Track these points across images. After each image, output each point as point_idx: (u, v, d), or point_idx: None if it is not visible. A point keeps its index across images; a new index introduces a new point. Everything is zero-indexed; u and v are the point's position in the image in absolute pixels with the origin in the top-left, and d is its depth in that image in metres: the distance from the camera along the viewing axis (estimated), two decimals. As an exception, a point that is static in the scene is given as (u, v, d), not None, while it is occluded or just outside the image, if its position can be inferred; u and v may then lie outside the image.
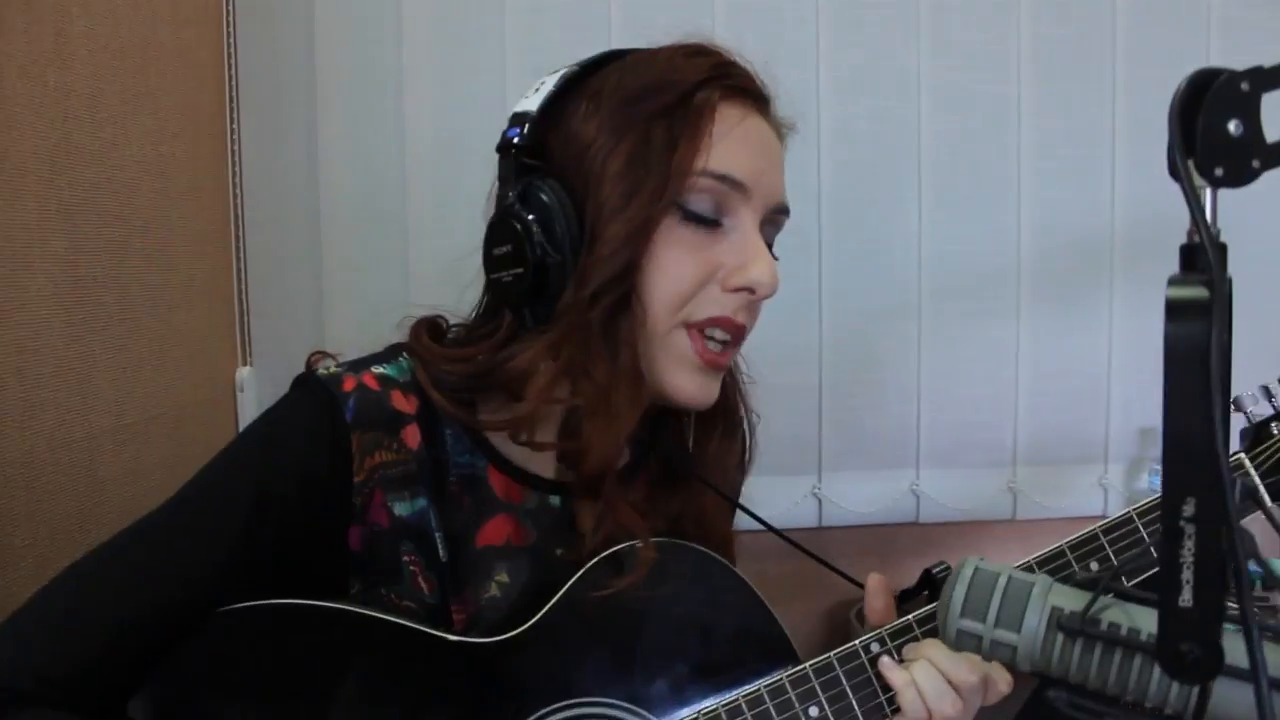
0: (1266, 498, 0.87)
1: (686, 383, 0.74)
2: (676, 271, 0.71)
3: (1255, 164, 0.55)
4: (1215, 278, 0.51)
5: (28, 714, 0.60)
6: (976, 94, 1.32)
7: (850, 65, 1.31)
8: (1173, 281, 0.53)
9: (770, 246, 0.77)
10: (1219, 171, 0.55)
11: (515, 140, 0.72)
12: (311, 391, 0.73)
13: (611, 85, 0.73)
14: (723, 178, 0.71)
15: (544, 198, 0.70)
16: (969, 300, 1.34)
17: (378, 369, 0.75)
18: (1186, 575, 0.50)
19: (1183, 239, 1.17)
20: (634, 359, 0.72)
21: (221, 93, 1.26)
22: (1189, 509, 0.50)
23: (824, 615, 1.28)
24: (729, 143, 0.72)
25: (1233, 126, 0.55)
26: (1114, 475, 1.36)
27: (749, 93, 0.75)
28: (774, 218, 0.77)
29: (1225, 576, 0.49)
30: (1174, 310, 0.51)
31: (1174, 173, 0.55)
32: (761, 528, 0.86)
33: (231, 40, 1.26)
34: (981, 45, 1.32)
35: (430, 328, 0.78)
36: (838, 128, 1.30)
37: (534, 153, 0.72)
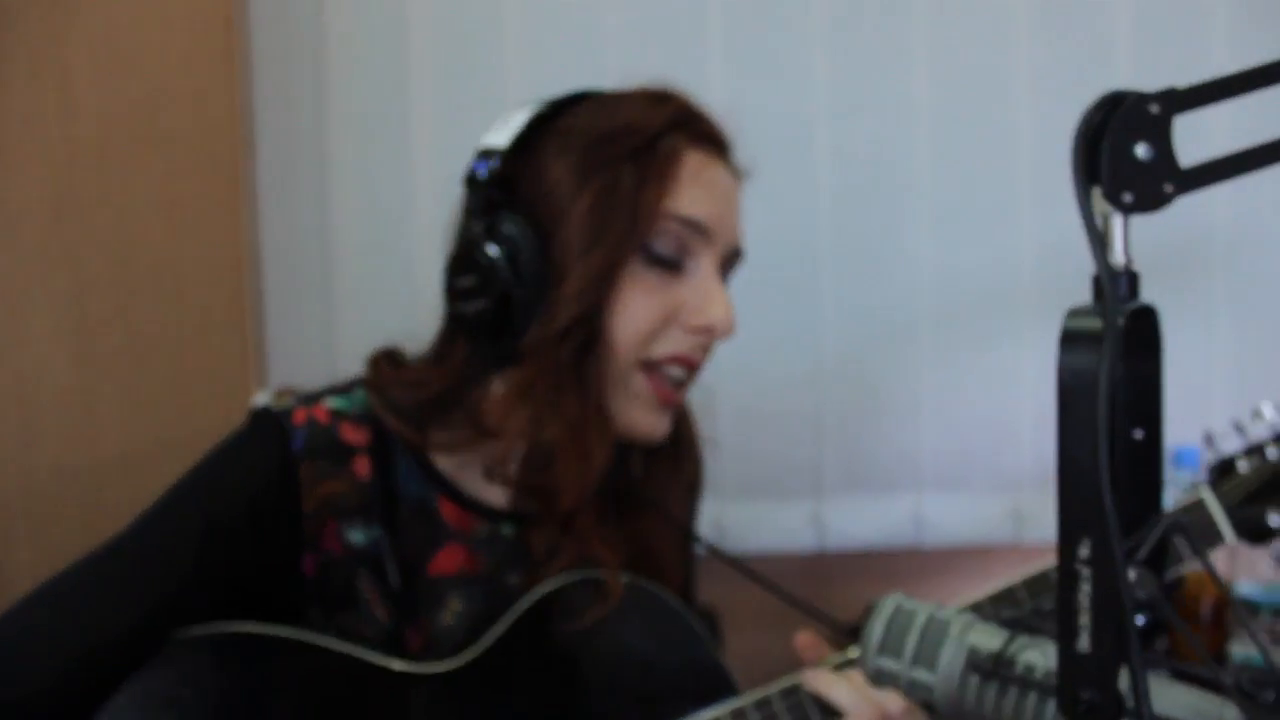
0: (1227, 529, 0.84)
1: (642, 420, 0.76)
2: (640, 312, 0.74)
3: (1168, 189, 0.54)
4: (1108, 307, 0.50)
5: None
6: (975, 117, 1.30)
7: (849, 90, 1.30)
8: (1071, 312, 0.53)
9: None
10: (1127, 197, 0.54)
11: (482, 174, 0.74)
12: (262, 424, 0.76)
13: (581, 126, 0.75)
14: (687, 221, 0.74)
15: (511, 232, 0.72)
16: (971, 323, 1.32)
17: (330, 402, 0.78)
18: (1084, 620, 0.49)
19: (1184, 259, 1.17)
20: (601, 396, 0.74)
21: (235, 134, 1.32)
22: (1084, 551, 0.49)
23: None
24: (693, 188, 0.74)
25: (1141, 150, 0.54)
26: (1125, 499, 1.32)
27: (711, 140, 0.78)
28: (731, 260, 0.79)
29: (1124, 620, 0.48)
30: (1066, 340, 0.50)
31: (1079, 199, 0.54)
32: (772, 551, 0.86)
33: (246, 84, 1.32)
34: (979, 68, 1.30)
35: (388, 357, 0.81)
36: (837, 152, 1.30)
37: (501, 187, 0.74)
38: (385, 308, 1.32)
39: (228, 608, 0.72)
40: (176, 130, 1.19)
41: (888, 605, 0.62)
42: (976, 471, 1.32)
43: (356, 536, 0.76)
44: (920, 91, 1.30)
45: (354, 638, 0.74)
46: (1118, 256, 0.54)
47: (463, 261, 0.73)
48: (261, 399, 1.35)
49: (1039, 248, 1.30)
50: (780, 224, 1.16)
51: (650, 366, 0.75)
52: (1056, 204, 1.29)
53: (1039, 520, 1.32)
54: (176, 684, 0.69)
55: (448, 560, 0.79)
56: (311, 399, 0.78)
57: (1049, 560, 0.78)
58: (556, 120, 0.76)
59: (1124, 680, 0.48)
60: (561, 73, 1.31)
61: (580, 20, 1.30)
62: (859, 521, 1.33)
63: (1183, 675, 0.54)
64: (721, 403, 1.14)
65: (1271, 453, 0.87)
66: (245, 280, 1.34)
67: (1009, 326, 1.31)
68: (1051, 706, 0.55)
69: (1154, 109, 0.54)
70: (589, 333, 0.72)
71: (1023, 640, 0.58)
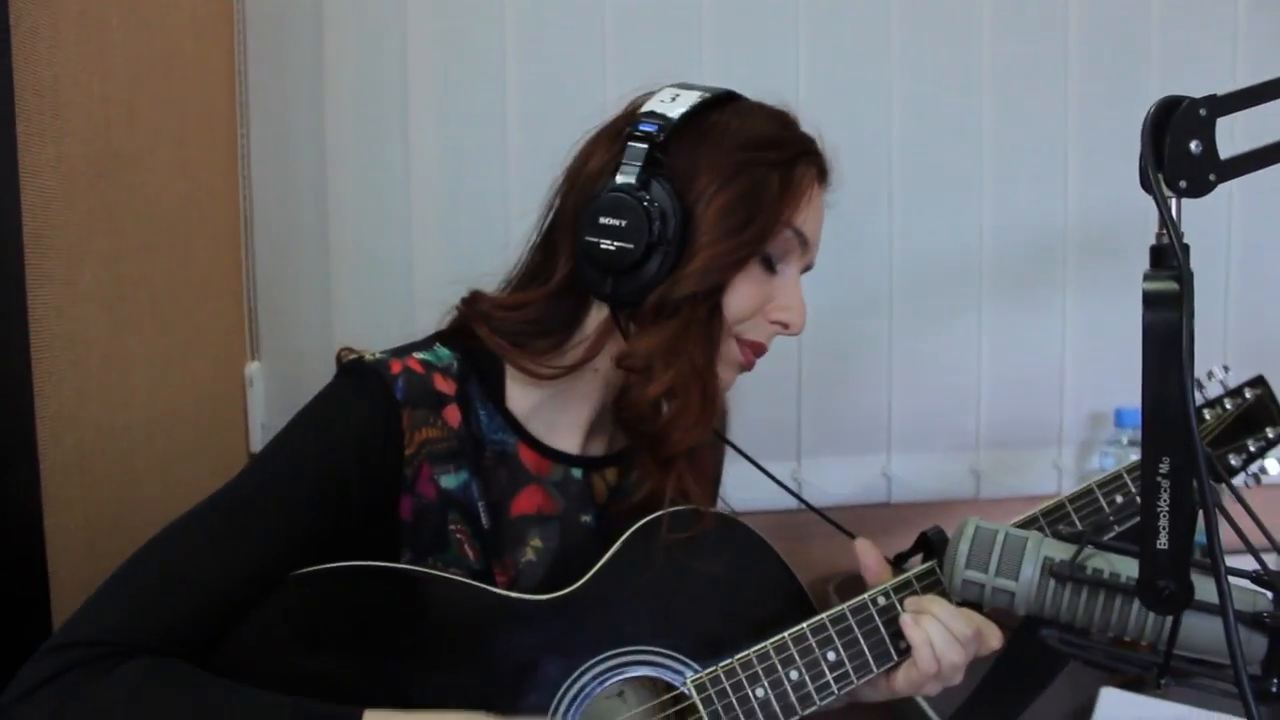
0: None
1: (728, 378, 0.87)
2: (745, 298, 0.83)
3: (1212, 177, 0.66)
4: (1183, 273, 0.61)
5: (135, 663, 0.67)
6: (943, 107, 1.41)
7: (827, 80, 1.39)
8: (1148, 277, 0.63)
9: None
10: (1183, 184, 0.65)
11: (653, 134, 0.80)
12: (362, 375, 0.80)
13: (734, 126, 0.83)
14: (801, 235, 0.85)
15: (666, 196, 0.79)
16: (936, 297, 1.44)
17: (419, 355, 0.83)
18: (1163, 522, 0.60)
19: (1129, 240, 1.34)
20: (716, 356, 0.83)
21: (232, 97, 1.30)
22: (1165, 466, 0.60)
23: (810, 582, 1.36)
24: (809, 209, 0.86)
25: (1194, 146, 0.65)
26: (1067, 457, 1.48)
27: (825, 172, 0.90)
28: (805, 270, 0.91)
29: (1194, 522, 0.60)
30: (1150, 300, 0.61)
31: (1145, 185, 0.65)
32: (758, 509, 0.96)
33: (242, 47, 1.30)
34: (947, 63, 1.41)
35: (480, 293, 0.88)
36: (815, 137, 1.39)
37: (662, 151, 0.80)
38: (379, 280, 1.33)
39: (334, 551, 0.75)
40: (187, 93, 1.18)
41: (969, 526, 0.72)
42: (940, 433, 1.45)
43: (449, 481, 0.81)
44: (895, 83, 1.41)
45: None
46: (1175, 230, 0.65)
47: (615, 203, 0.78)
48: (254, 369, 1.35)
49: (996, 228, 1.43)
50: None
51: (741, 342, 0.86)
52: (1013, 188, 1.44)
53: (994, 477, 1.46)
54: (298, 616, 0.73)
55: (528, 501, 0.85)
56: (401, 352, 0.83)
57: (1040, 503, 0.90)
58: (711, 112, 0.83)
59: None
60: (558, 53, 1.36)
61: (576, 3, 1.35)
62: (834, 479, 1.44)
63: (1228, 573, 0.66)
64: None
65: (1229, 405, 1.03)
66: (241, 246, 1.34)
67: (969, 301, 1.44)
68: (1118, 602, 0.67)
69: (1203, 112, 0.65)
70: (714, 303, 0.81)
71: (1088, 551, 0.69)
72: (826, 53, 1.39)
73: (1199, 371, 1.07)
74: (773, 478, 1.00)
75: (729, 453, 1.04)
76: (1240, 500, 0.71)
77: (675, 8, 1.36)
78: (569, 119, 0.87)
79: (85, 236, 0.94)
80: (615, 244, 0.78)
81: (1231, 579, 0.66)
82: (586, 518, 0.88)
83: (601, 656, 0.79)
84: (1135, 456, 1.00)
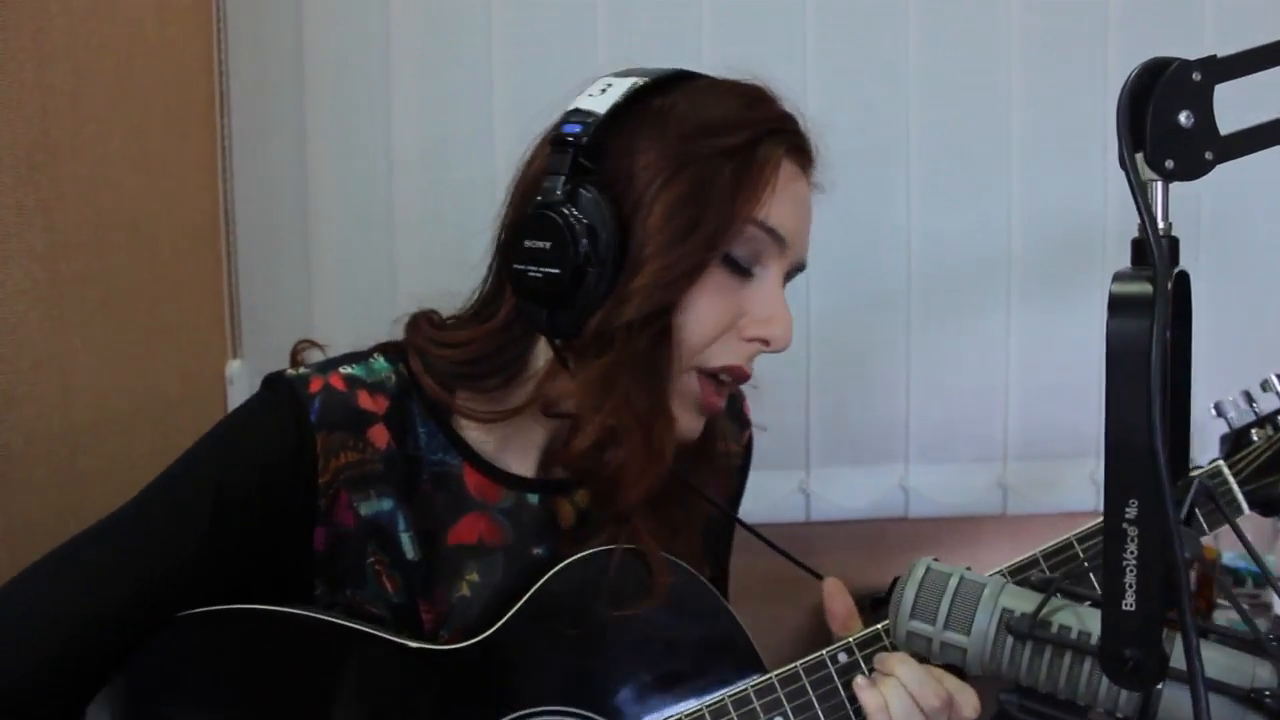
0: (1243, 501, 0.86)
1: (684, 420, 0.75)
2: (709, 315, 0.72)
3: (1208, 156, 0.55)
4: (1159, 272, 0.50)
5: None
6: (966, 85, 1.31)
7: (838, 56, 1.30)
8: (1117, 276, 0.52)
9: None
10: (1170, 164, 0.54)
11: (575, 137, 0.70)
12: (277, 392, 0.74)
13: (680, 111, 0.72)
14: (771, 230, 0.72)
15: (595, 205, 0.68)
16: (958, 293, 1.34)
17: (346, 370, 0.76)
18: (1129, 579, 0.50)
19: (1177, 231, 1.14)
20: (667, 392, 0.72)
21: (210, 89, 1.27)
22: (1131, 511, 0.49)
23: (810, 610, 1.28)
24: (782, 199, 0.73)
25: (1184, 118, 0.54)
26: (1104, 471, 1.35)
27: (804, 152, 0.77)
28: (794, 273, 0.78)
29: (1170, 580, 0.49)
30: (1115, 306, 0.50)
31: (1123, 164, 0.54)
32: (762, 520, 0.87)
33: (222, 37, 1.27)
34: (971, 36, 1.31)
35: (428, 318, 0.80)
36: (825, 120, 1.29)
37: (589, 155, 0.70)
38: (362, 276, 1.31)
39: (234, 584, 0.69)
40: (151, 83, 1.14)
41: (919, 569, 0.62)
42: (963, 443, 1.35)
43: (368, 508, 0.74)
44: (911, 59, 1.31)
45: (361, 614, 0.73)
46: (1160, 222, 0.54)
47: (538, 223, 0.69)
48: (235, 368, 1.32)
49: (1027, 218, 1.33)
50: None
51: (703, 372, 0.74)
52: (1045, 172, 1.32)
53: (1024, 491, 1.35)
54: (180, 664, 0.68)
55: (468, 529, 0.77)
56: (327, 366, 0.76)
57: (1078, 522, 0.78)
58: (652, 99, 0.72)
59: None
60: (546, 38, 1.31)
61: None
62: (846, 491, 1.35)
63: (1213, 633, 0.55)
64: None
65: (1282, 423, 0.89)
66: (221, 242, 1.31)
67: (996, 298, 1.34)
68: (1087, 666, 0.56)
69: (1196, 76, 0.54)
70: (661, 326, 0.70)
71: (1056, 602, 0.58)
72: (835, 26, 1.30)
73: (1251, 381, 0.94)
74: (740, 522, 0.89)
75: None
76: (1248, 546, 0.59)
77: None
78: (559, 107, 0.77)
79: (13, 232, 0.90)
80: (541, 270, 0.68)
81: (1225, 648, 0.55)
82: (539, 549, 0.79)
83: (513, 717, 0.71)
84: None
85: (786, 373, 1.32)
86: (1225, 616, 1.12)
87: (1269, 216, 1.36)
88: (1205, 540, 1.15)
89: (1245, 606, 0.62)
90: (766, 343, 0.75)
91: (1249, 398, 0.92)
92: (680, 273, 0.70)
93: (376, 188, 1.30)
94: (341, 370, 0.76)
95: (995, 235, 1.33)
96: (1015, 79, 1.32)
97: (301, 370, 0.75)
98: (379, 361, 0.78)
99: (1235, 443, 0.90)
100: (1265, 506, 0.88)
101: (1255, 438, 0.90)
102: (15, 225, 0.90)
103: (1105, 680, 0.56)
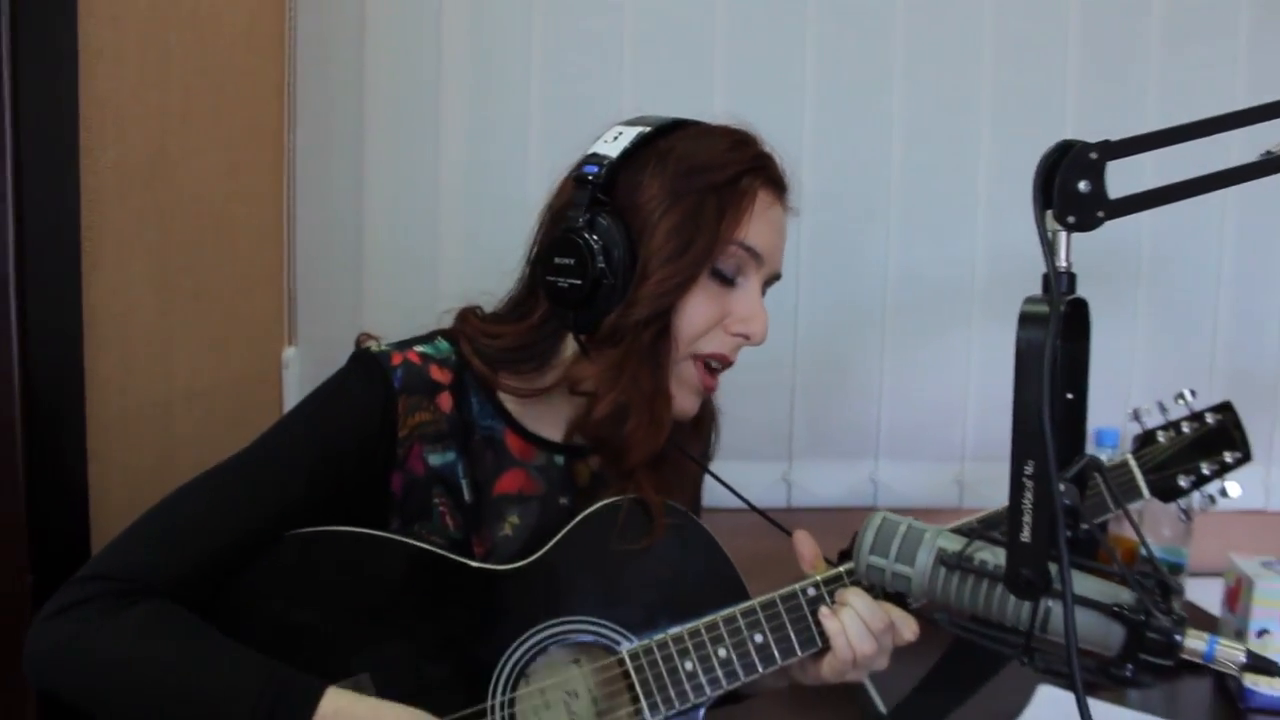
0: (1144, 487, 1.05)
1: (683, 400, 0.94)
2: (699, 314, 0.91)
3: (1100, 214, 0.73)
4: (1053, 298, 0.68)
5: (145, 607, 0.77)
6: (941, 136, 1.48)
7: (832, 105, 1.47)
8: (1027, 300, 0.71)
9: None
10: (1071, 219, 0.72)
11: (594, 177, 0.89)
12: (367, 364, 0.91)
13: (677, 153, 0.90)
14: (749, 249, 0.91)
15: (609, 230, 0.87)
16: (927, 314, 1.50)
17: (419, 348, 0.94)
18: (1026, 518, 0.68)
19: (1116, 268, 1.42)
20: (666, 376, 0.91)
21: (281, 108, 1.43)
22: (1029, 469, 0.68)
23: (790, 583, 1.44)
24: (759, 223, 0.92)
25: (1083, 185, 0.72)
26: (1053, 474, 1.52)
27: (778, 184, 0.95)
28: (771, 280, 0.97)
29: (1056, 519, 0.67)
30: (1023, 320, 0.69)
31: (1036, 219, 0.73)
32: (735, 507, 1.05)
33: (292, 62, 1.43)
34: (947, 93, 1.47)
35: (473, 312, 0.98)
36: (819, 160, 1.46)
37: (604, 190, 0.89)
38: (407, 279, 1.44)
39: (328, 517, 0.86)
40: (238, 102, 1.31)
41: (876, 518, 0.80)
42: (927, 444, 1.51)
43: (437, 459, 0.91)
44: (895, 111, 1.48)
45: (427, 544, 0.90)
46: (1061, 261, 0.73)
47: (564, 244, 0.88)
48: (290, 354, 1.48)
49: (990, 252, 1.49)
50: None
51: (698, 359, 0.93)
52: (1007, 214, 1.50)
53: (978, 488, 1.52)
54: (290, 572, 0.84)
55: (510, 482, 0.95)
56: (403, 345, 0.94)
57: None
58: (656, 142, 0.91)
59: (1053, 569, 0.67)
60: (578, 73, 1.46)
61: (599, 26, 1.45)
62: (823, 482, 1.51)
63: (1091, 569, 0.73)
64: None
65: (1186, 429, 1.08)
66: (283, 244, 1.47)
67: (960, 320, 1.50)
68: (999, 591, 0.74)
69: (1093, 155, 0.72)
70: (662, 325, 0.89)
71: (978, 544, 0.76)
72: (832, 80, 1.46)
73: (1167, 395, 1.12)
74: (716, 478, 1.08)
75: (724, 453, 1.12)
76: (1128, 516, 0.77)
77: (689, 33, 1.45)
78: (586, 134, 0.95)
79: (137, 229, 1.07)
80: (568, 281, 0.87)
81: (1101, 580, 0.73)
82: (565, 500, 0.97)
83: (550, 623, 0.89)
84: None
85: (775, 376, 1.49)
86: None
87: (1199, 257, 1.54)
88: (1129, 532, 1.34)
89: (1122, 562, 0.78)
90: (748, 337, 0.93)
91: (1162, 407, 1.11)
92: (677, 283, 0.89)
93: (424, 202, 1.44)
94: (416, 349, 0.94)
95: (961, 266, 1.49)
96: (984, 132, 1.48)
97: (384, 346, 0.93)
98: (442, 343, 0.96)
99: (1144, 441, 1.09)
100: (1163, 494, 1.07)
101: (1161, 439, 1.10)
102: (137, 226, 1.07)
103: (1011, 601, 0.74)
